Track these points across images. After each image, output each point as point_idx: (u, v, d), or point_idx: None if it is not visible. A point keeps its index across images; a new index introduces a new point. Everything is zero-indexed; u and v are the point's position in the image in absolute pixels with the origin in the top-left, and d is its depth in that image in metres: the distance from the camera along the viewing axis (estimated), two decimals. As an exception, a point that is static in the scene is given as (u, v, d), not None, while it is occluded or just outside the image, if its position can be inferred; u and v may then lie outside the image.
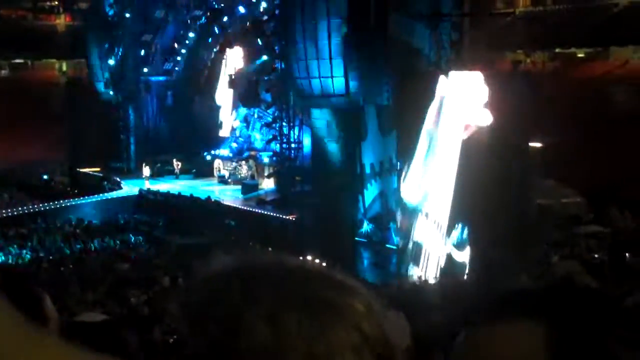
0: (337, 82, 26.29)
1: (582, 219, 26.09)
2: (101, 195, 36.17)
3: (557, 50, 40.46)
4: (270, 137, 34.87)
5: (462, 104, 23.13)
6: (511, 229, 22.06)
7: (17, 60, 51.94)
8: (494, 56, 30.97)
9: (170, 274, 24.69)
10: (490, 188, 21.75)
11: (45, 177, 41.47)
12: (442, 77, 23.30)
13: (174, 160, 39.89)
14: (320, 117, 28.28)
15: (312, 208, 28.86)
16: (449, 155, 23.32)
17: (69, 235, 29.91)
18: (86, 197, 35.50)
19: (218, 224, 30.98)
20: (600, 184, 26.90)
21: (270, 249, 28.39)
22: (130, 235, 30.97)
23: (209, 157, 39.65)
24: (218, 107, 41.72)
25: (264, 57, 35.79)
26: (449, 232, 23.64)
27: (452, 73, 23.36)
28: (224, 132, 41.07)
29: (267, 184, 35.00)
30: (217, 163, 39.05)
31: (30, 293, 2.08)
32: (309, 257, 25.46)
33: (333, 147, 27.77)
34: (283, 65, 31.57)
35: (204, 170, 39.55)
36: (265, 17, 34.75)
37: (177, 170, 39.80)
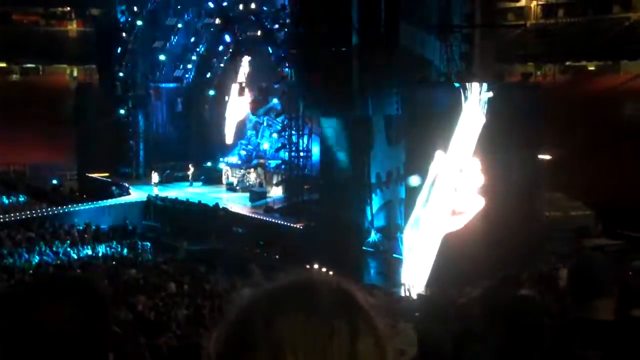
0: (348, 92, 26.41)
1: (591, 232, 26.01)
2: (109, 200, 36.25)
3: (567, 63, 40.46)
4: (279, 145, 34.90)
5: (453, 188, 23.37)
6: (519, 241, 22.01)
7: (28, 65, 52.21)
8: (504, 68, 30.93)
9: (177, 281, 24.75)
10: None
11: (54, 181, 41.59)
12: (439, 153, 23.38)
13: (189, 165, 39.85)
14: (329, 126, 28.33)
15: (320, 216, 28.86)
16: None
17: (77, 240, 29.97)
18: (94, 202, 35.58)
19: (226, 231, 31.02)
20: (609, 197, 26.85)
21: (277, 256, 28.49)
22: (138, 241, 31.04)
23: (220, 165, 39.70)
24: (228, 115, 41.77)
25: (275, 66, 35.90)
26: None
27: (449, 155, 23.42)
28: (233, 140, 41.11)
29: (276, 192, 35.00)
30: (226, 170, 39.10)
31: (97, 299, 2.10)
32: (316, 266, 25.56)
33: (342, 156, 27.80)
34: (293, 74, 31.65)
35: (213, 177, 39.60)
36: (276, 26, 34.83)
37: (191, 177, 39.72)
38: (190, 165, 39.81)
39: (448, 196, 23.44)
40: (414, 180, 23.76)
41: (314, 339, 1.38)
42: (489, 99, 23.04)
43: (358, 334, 1.41)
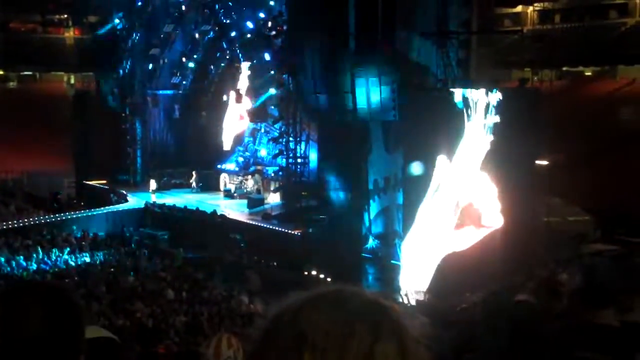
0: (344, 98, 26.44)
1: (589, 237, 26.01)
2: (107, 207, 36.21)
3: (564, 68, 40.54)
4: (277, 151, 34.89)
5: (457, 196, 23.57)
6: (519, 247, 22.03)
7: (25, 73, 52.22)
8: (501, 74, 30.98)
9: (175, 288, 24.72)
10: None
11: (51, 188, 41.53)
12: (441, 157, 23.61)
13: (193, 172, 39.82)
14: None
15: (318, 223, 28.85)
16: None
17: (74, 247, 29.93)
18: (92, 210, 35.54)
19: (223, 238, 30.98)
20: (607, 202, 26.88)
21: (275, 263, 28.46)
22: (136, 248, 31.01)
23: (217, 172, 39.69)
24: (225, 122, 41.78)
25: (272, 72, 35.93)
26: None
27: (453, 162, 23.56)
28: (230, 147, 41.11)
29: (273, 199, 34.99)
30: (224, 177, 39.09)
31: (72, 308, 2.11)
32: (314, 272, 25.56)
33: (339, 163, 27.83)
34: (291, 81, 31.68)
35: (210, 184, 39.59)
36: (274, 33, 34.86)
37: (194, 184, 39.69)
38: (193, 172, 39.78)
39: (452, 206, 23.62)
40: (415, 169, 23.75)
41: (334, 337, 1.43)
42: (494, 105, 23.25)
43: (380, 338, 1.45)
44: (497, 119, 23.21)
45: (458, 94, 23.83)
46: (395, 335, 1.47)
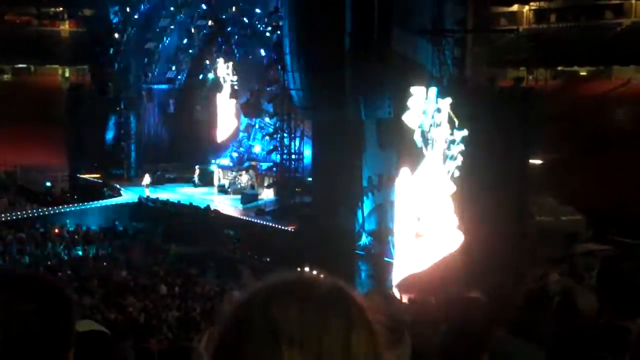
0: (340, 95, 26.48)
1: (581, 237, 26.05)
2: (100, 201, 36.17)
3: (559, 68, 40.60)
4: (271, 147, 34.89)
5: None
6: (510, 246, 22.04)
7: (20, 65, 52.08)
8: (496, 73, 30.99)
9: (168, 282, 24.73)
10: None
11: (45, 182, 41.48)
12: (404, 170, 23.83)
13: (196, 167, 39.77)
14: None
15: (311, 219, 28.86)
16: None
17: (67, 241, 29.91)
18: (85, 204, 35.50)
19: (217, 233, 30.99)
20: (600, 202, 26.92)
21: (268, 259, 28.48)
22: (128, 243, 30.99)
23: (211, 166, 39.67)
24: (219, 117, 41.77)
25: (267, 68, 35.90)
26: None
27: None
28: (224, 142, 41.11)
29: (267, 194, 35.00)
30: (217, 172, 39.08)
31: (63, 301, 2.12)
32: (307, 268, 25.52)
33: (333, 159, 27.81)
34: (286, 77, 31.65)
35: (204, 179, 39.57)
36: (269, 29, 34.82)
37: (196, 179, 39.64)
38: (196, 167, 39.72)
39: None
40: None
41: (309, 330, 1.42)
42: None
43: (352, 327, 1.45)
44: (465, 132, 22.88)
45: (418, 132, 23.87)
46: (365, 322, 1.48)
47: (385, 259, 26.08)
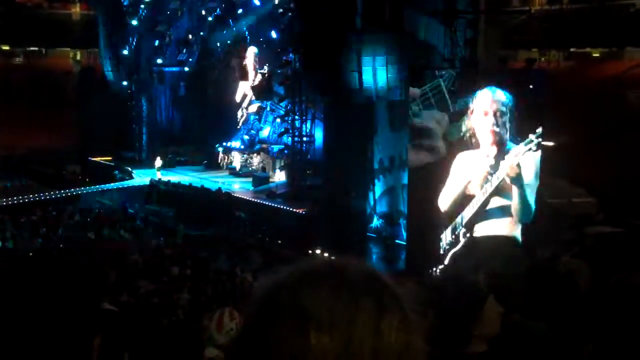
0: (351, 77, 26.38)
1: (593, 219, 25.95)
2: (112, 184, 36.28)
3: (572, 49, 40.32)
4: (282, 130, 34.87)
5: None
6: (522, 228, 21.98)
7: (31, 48, 52.08)
8: (509, 54, 30.82)
9: (180, 265, 24.80)
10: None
11: (57, 165, 41.61)
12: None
13: (220, 148, 39.88)
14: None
15: (323, 202, 28.86)
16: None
17: (80, 223, 30.01)
18: (97, 186, 35.62)
19: (228, 216, 31.04)
20: (613, 184, 26.80)
21: (279, 241, 28.52)
22: (141, 225, 31.08)
23: (220, 149, 39.73)
24: (231, 99, 41.75)
25: (278, 50, 35.84)
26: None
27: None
28: (236, 124, 41.11)
29: (278, 177, 35.02)
30: (227, 155, 39.10)
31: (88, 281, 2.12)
32: (319, 251, 25.58)
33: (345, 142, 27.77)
34: (297, 59, 31.59)
35: (215, 162, 39.63)
36: (281, 11, 34.70)
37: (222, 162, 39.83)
38: (219, 149, 39.81)
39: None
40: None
41: (339, 313, 1.39)
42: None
43: (384, 311, 1.42)
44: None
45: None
46: (397, 308, 1.45)
47: (397, 241, 26.08)
